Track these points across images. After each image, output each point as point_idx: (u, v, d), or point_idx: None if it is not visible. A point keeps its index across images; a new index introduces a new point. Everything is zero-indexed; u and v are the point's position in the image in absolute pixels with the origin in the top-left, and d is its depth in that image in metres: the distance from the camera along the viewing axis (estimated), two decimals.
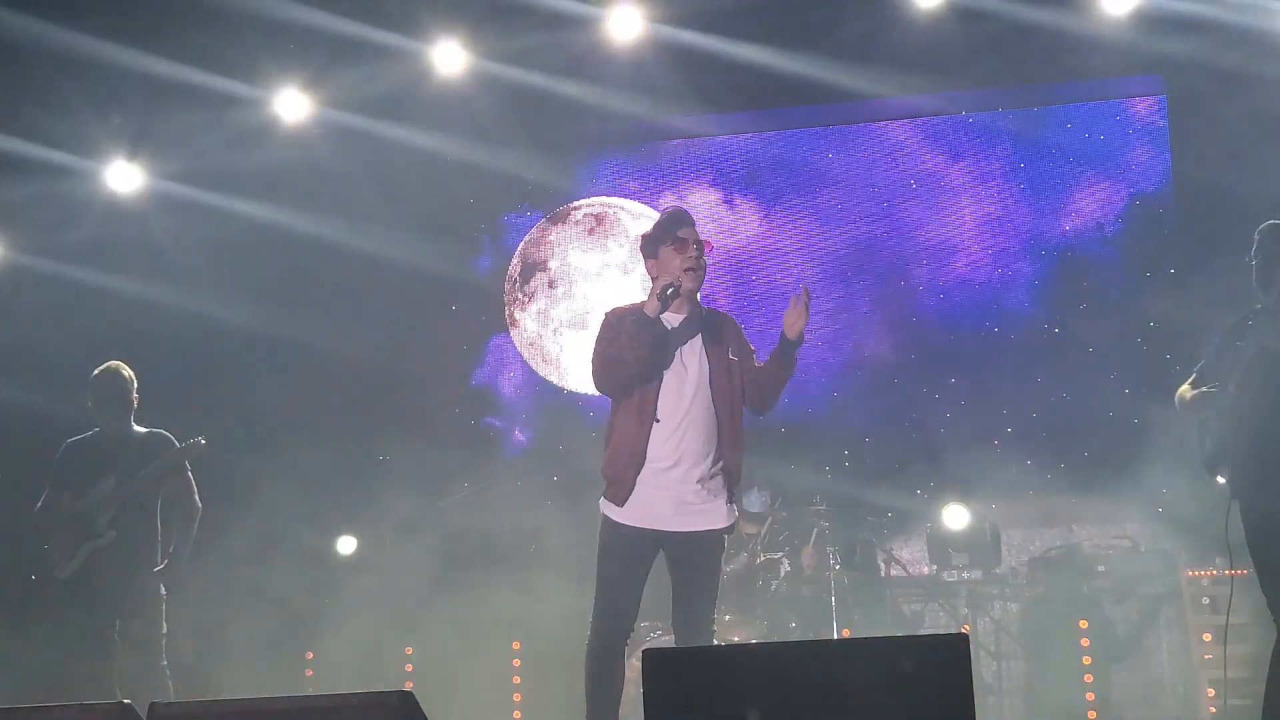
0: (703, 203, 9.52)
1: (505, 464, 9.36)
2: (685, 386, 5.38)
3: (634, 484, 5.32)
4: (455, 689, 7.35)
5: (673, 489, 5.33)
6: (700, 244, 5.45)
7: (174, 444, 7.07)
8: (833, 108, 9.34)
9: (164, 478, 7.01)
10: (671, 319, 5.44)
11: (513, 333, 9.70)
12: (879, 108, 9.19)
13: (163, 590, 6.97)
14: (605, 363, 5.38)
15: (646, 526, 5.34)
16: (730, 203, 9.56)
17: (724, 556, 7.64)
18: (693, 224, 5.50)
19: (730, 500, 5.46)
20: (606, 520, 5.41)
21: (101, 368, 7.17)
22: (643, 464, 5.33)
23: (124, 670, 6.79)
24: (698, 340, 5.46)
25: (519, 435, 9.62)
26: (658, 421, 5.34)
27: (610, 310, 5.57)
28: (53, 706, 3.82)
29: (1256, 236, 6.00)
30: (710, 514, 5.40)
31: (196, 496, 7.07)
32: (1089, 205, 9.08)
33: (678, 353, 5.40)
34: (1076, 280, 8.93)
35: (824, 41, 8.32)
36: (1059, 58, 8.50)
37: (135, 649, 6.84)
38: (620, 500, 5.34)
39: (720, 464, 5.41)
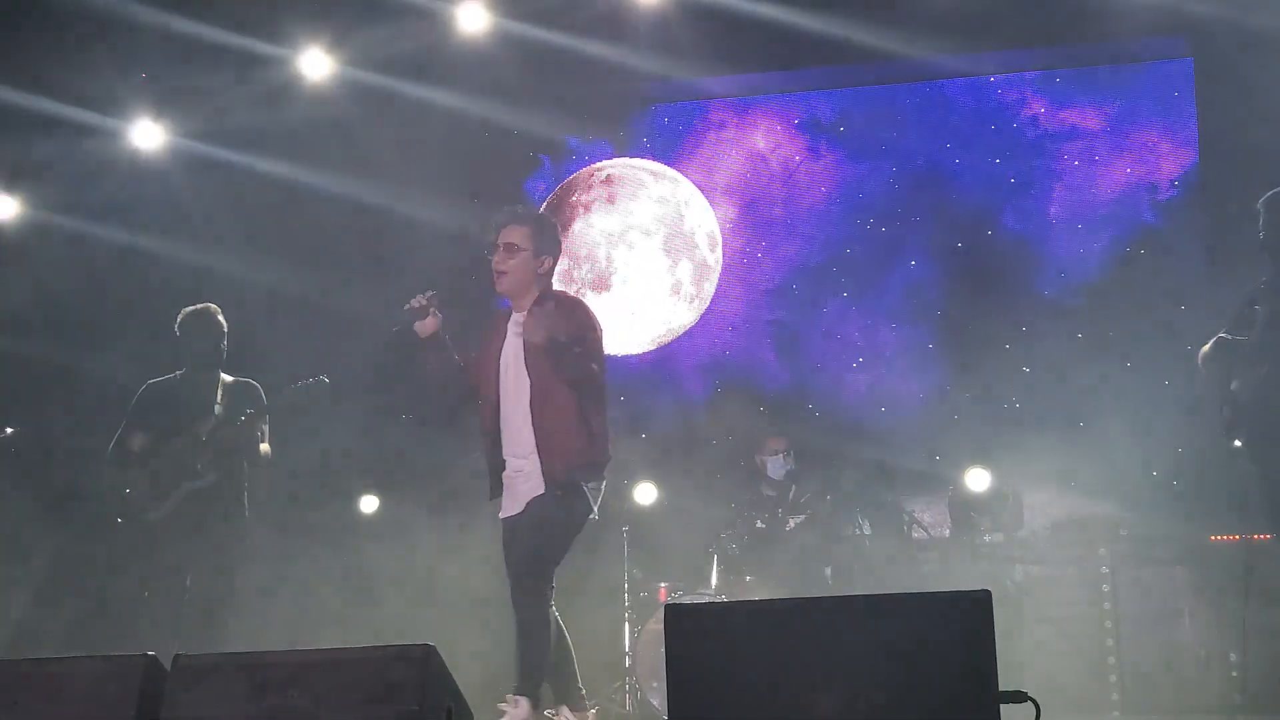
0: (733, 156, 9.52)
1: None
2: (506, 397, 5.65)
3: (501, 481, 5.73)
4: (477, 646, 7.37)
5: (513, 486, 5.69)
6: (509, 245, 5.65)
7: (261, 395, 6.96)
8: (852, 69, 9.29)
9: (260, 423, 6.87)
10: (501, 328, 5.71)
11: None
12: (901, 69, 9.13)
13: (246, 540, 6.87)
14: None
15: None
16: (758, 160, 9.54)
17: (746, 519, 7.79)
18: (505, 226, 5.68)
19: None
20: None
21: (198, 308, 6.97)
22: (502, 467, 5.70)
23: (191, 622, 6.61)
24: (519, 349, 5.62)
25: None
26: (493, 431, 5.68)
27: None
28: (79, 658, 3.85)
29: (1260, 208, 5.97)
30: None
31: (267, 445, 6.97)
32: (1112, 171, 9.01)
33: (500, 364, 5.68)
34: (1099, 247, 8.86)
35: (844, 1, 8.30)
36: (1083, 19, 8.42)
37: (204, 603, 6.68)
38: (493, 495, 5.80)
39: (541, 464, 5.59)
